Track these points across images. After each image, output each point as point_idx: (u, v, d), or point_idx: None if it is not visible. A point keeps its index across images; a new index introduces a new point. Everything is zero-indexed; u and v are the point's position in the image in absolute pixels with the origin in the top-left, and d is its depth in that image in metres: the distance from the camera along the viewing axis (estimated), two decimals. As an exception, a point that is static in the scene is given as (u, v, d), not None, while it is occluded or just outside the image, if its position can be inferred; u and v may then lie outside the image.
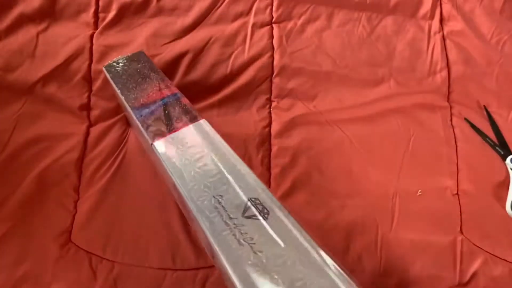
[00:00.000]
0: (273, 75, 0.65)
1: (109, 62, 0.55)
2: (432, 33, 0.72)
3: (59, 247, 0.53)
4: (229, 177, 0.39)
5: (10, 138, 0.57)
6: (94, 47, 0.62)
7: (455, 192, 0.60)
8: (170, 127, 0.44)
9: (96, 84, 0.61)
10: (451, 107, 0.67)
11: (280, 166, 0.60)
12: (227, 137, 0.61)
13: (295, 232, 0.34)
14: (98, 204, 0.56)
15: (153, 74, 0.52)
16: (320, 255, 0.32)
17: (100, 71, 0.61)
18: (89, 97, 0.60)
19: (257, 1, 0.68)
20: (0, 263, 0.52)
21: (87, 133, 0.59)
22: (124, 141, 0.59)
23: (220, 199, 0.37)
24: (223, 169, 0.39)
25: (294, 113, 0.63)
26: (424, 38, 0.71)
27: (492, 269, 0.56)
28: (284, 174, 0.59)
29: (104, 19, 0.64)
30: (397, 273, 0.56)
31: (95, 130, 0.59)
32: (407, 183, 0.60)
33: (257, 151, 0.60)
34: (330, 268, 0.31)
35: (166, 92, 0.49)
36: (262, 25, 0.68)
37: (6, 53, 0.59)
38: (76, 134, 0.59)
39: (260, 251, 0.33)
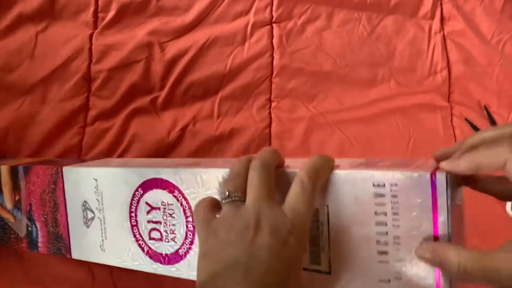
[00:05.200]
0: (273, 75, 0.65)
1: None
2: (432, 33, 0.71)
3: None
4: None
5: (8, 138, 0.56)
6: (93, 47, 0.62)
7: (455, 192, 0.60)
8: None
9: (95, 84, 0.61)
10: (451, 107, 0.67)
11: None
12: (227, 138, 0.61)
13: None
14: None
15: None
16: None
17: (100, 71, 0.61)
18: (88, 97, 0.60)
19: (257, 1, 0.68)
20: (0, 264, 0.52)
21: (83, 133, 0.59)
22: (123, 142, 0.59)
23: None
24: None
25: (294, 114, 0.63)
26: (424, 38, 0.71)
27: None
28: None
29: (103, 18, 0.63)
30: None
31: (93, 130, 0.59)
32: (407, 184, 0.60)
33: (257, 152, 0.60)
34: None
35: None
36: (262, 25, 0.67)
37: (5, 53, 0.59)
38: (75, 134, 0.59)
39: None
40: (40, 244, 0.47)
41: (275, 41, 0.67)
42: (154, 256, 0.38)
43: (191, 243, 0.35)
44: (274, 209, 0.26)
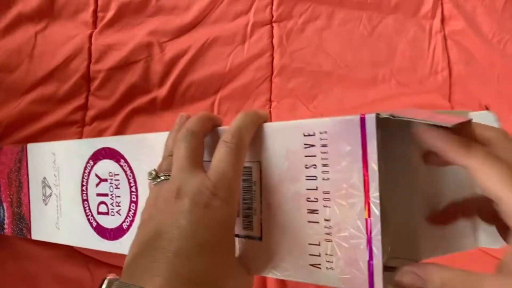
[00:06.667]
0: (273, 75, 0.65)
1: None
2: (433, 32, 0.71)
3: (57, 248, 0.53)
4: None
5: (6, 137, 0.56)
6: (93, 47, 0.62)
7: (456, 193, 0.60)
8: None
9: (95, 84, 0.61)
10: (452, 107, 0.67)
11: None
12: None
13: None
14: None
15: None
16: None
17: (99, 71, 0.61)
18: (87, 97, 0.60)
19: (257, 0, 0.68)
20: (-2, 264, 0.52)
21: (82, 133, 0.59)
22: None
23: None
24: None
25: (294, 113, 0.63)
26: (425, 38, 0.71)
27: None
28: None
29: (103, 18, 0.63)
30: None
31: (92, 130, 0.59)
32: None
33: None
34: None
35: None
36: (262, 24, 0.67)
37: (4, 53, 0.59)
38: (73, 133, 0.58)
39: None
40: (5, 226, 0.46)
41: (275, 40, 0.67)
42: (101, 231, 0.37)
43: (134, 214, 0.34)
44: (196, 176, 0.25)
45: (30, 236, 0.43)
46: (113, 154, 0.35)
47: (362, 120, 0.23)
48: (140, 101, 0.61)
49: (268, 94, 0.64)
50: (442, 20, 0.72)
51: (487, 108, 0.67)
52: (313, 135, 0.25)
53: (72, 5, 0.63)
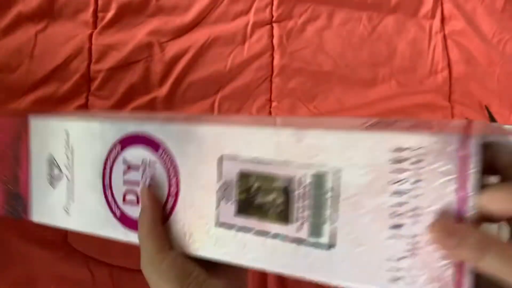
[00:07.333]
0: (273, 75, 0.65)
1: None
2: (433, 32, 0.71)
3: (57, 249, 0.53)
4: None
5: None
6: (93, 47, 0.62)
7: (456, 193, 0.60)
8: None
9: (95, 84, 0.61)
10: (452, 107, 0.67)
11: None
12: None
13: None
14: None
15: None
16: None
17: (99, 71, 0.61)
18: (87, 97, 0.60)
19: (257, 0, 0.68)
20: (-2, 265, 0.52)
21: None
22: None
23: None
24: None
25: (294, 113, 0.63)
26: (425, 38, 0.71)
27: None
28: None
29: (103, 18, 0.63)
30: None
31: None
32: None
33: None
34: None
35: None
36: (262, 24, 0.67)
37: (5, 53, 0.59)
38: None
39: None
40: None
41: (275, 41, 0.67)
42: (127, 221, 0.34)
43: (172, 208, 0.32)
44: None
45: (27, 217, 0.41)
46: (149, 142, 0.33)
47: (464, 141, 0.22)
48: (140, 101, 0.61)
49: (268, 94, 0.64)
50: (442, 20, 0.72)
51: (487, 108, 0.67)
52: (405, 150, 0.24)
53: (72, 5, 0.63)
